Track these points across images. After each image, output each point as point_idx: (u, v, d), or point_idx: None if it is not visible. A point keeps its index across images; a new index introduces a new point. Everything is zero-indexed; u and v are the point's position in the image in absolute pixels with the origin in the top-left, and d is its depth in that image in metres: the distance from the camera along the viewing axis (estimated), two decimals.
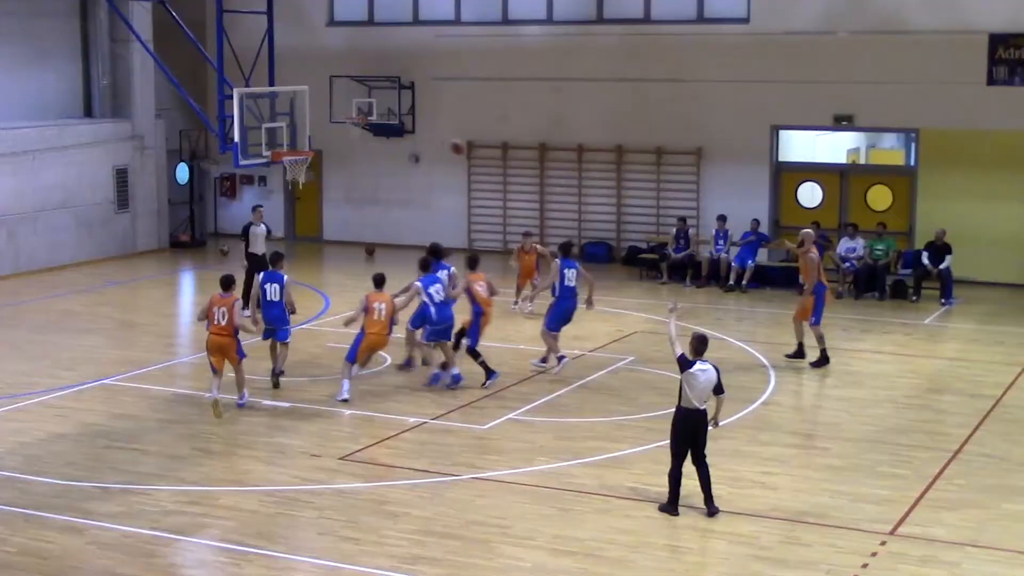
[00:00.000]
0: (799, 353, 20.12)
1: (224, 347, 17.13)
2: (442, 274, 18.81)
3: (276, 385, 18.40)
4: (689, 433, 13.48)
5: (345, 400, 17.59)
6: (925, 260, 25.54)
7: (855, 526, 13.31)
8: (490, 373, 18.64)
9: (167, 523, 13.30)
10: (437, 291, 18.29)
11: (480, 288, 18.77)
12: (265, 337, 18.62)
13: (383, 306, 17.85)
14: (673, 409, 13.67)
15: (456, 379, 18.42)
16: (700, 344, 13.66)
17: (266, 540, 12.89)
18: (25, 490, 14.31)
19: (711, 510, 13.49)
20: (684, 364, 13.45)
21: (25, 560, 12.36)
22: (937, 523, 13.41)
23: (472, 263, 19.38)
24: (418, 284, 18.34)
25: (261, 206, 24.79)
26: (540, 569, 12.25)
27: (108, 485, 14.44)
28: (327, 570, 12.24)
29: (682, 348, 13.66)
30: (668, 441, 13.73)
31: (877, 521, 13.38)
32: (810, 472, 15.15)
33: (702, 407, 13.50)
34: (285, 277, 18.67)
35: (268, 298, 18.44)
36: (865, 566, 12.29)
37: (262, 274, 18.80)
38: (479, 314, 18.78)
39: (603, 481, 14.63)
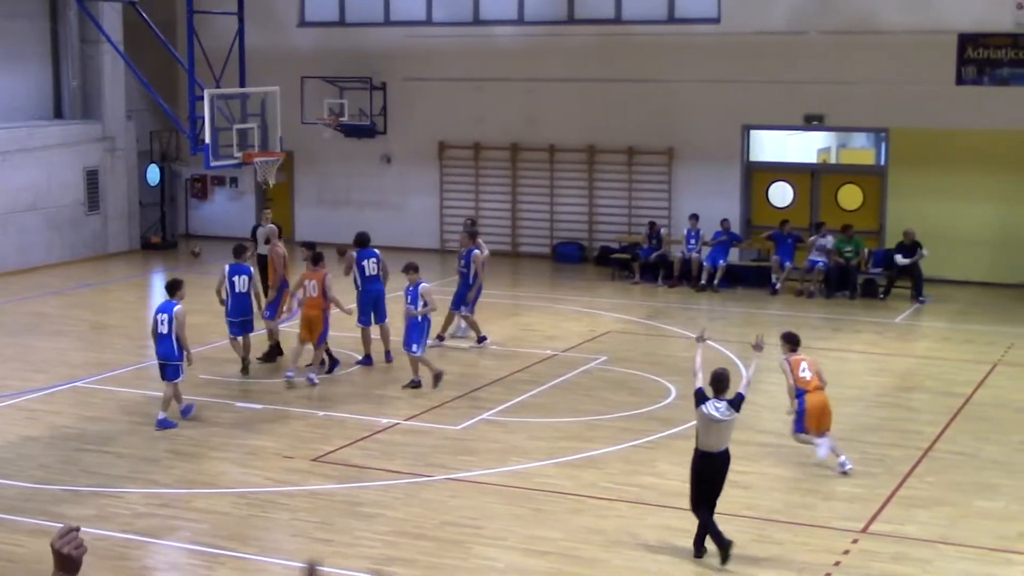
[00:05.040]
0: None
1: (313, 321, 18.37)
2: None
3: (246, 371, 19.18)
4: (707, 477, 12.34)
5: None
6: (900, 260, 25.57)
7: (827, 524, 13.36)
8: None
9: (139, 526, 13.25)
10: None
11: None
12: (235, 333, 19.20)
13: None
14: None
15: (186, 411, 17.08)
16: (718, 381, 12.37)
17: (239, 542, 12.85)
18: None
19: (698, 553, 12.46)
20: (699, 399, 12.33)
21: None
22: (909, 521, 13.47)
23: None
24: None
25: (268, 208, 25.76)
26: (513, 569, 12.25)
27: (79, 488, 14.38)
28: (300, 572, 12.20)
29: (703, 381, 12.44)
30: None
31: (849, 519, 13.43)
32: (782, 471, 15.20)
33: (719, 450, 12.32)
34: (252, 269, 19.35)
35: (237, 290, 18.99)
36: (837, 564, 12.34)
37: (228, 266, 19.19)
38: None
39: (576, 481, 14.64)
